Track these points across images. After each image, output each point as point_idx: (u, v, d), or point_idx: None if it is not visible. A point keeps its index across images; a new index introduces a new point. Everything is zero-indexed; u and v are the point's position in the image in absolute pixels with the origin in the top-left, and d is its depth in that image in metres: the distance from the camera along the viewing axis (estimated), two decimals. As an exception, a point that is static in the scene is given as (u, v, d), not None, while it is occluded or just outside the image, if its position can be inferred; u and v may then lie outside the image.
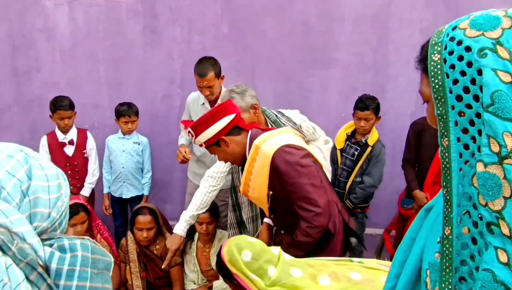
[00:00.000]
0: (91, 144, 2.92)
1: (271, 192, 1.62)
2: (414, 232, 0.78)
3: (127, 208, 3.05)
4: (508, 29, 0.58)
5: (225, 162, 1.78)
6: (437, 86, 0.64)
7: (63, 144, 2.82)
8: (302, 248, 1.59)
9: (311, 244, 1.57)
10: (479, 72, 0.58)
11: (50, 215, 0.65)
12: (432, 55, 0.64)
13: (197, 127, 1.62)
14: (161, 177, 3.21)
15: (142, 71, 3.10)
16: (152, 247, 2.36)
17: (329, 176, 2.10)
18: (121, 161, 2.91)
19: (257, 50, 2.99)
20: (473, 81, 0.59)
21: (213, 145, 1.64)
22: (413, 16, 2.78)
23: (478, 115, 0.59)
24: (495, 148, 0.56)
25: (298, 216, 1.59)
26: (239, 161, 1.71)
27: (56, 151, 2.82)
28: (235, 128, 1.63)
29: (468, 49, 0.59)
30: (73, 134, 2.86)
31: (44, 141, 2.83)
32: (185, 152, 2.45)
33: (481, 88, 0.57)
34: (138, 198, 2.98)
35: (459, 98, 0.61)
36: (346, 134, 2.66)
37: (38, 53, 3.18)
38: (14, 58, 3.21)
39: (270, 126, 2.01)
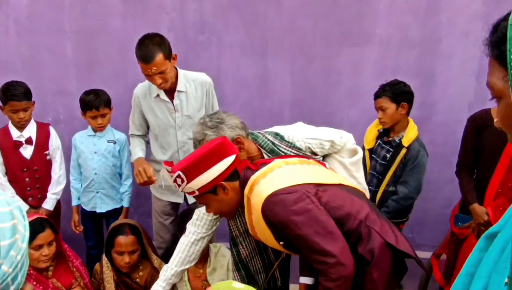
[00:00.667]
0: (55, 143, 2.53)
1: (282, 243, 1.48)
2: (473, 266, 0.73)
3: (102, 224, 2.72)
4: None
5: (217, 214, 1.61)
6: None
7: (18, 144, 2.41)
8: None
9: None
10: None
11: (0, 268, 0.61)
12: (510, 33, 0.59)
13: (190, 170, 1.43)
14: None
15: (122, 47, 2.70)
16: (134, 275, 2.15)
17: (367, 194, 1.76)
18: (93, 166, 2.55)
19: (269, 21, 2.66)
20: None
21: (208, 193, 1.47)
22: (473, -23, 2.49)
23: None
24: None
25: None
26: (234, 212, 1.60)
27: (9, 153, 2.43)
28: (236, 172, 1.50)
29: None
30: (31, 130, 2.47)
31: None
32: (148, 172, 2.07)
33: None
34: (116, 212, 2.65)
35: None
36: (378, 130, 2.30)
37: (-14, 26, 2.83)
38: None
39: (267, 157, 1.73)
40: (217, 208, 1.54)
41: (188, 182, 1.43)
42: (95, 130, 2.53)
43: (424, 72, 2.55)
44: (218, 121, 1.64)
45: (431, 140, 2.54)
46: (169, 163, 1.49)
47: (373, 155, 2.28)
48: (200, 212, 1.82)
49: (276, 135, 1.74)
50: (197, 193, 1.46)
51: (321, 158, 1.75)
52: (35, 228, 1.86)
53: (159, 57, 2.00)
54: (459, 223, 2.22)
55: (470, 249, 2.01)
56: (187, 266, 1.84)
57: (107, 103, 2.47)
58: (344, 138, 1.74)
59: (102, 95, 2.46)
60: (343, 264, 1.35)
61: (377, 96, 2.20)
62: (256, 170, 1.48)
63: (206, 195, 1.48)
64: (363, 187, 1.82)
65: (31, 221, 1.84)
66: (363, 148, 2.33)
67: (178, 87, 2.18)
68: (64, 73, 2.81)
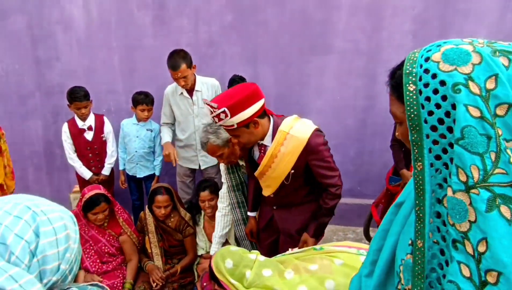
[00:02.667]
0: (108, 128, 2.83)
1: (292, 171, 1.61)
2: (387, 224, 0.78)
3: (142, 185, 2.98)
4: (478, 64, 0.55)
5: (244, 145, 1.67)
6: (412, 116, 0.61)
7: (82, 130, 2.74)
8: (332, 211, 1.67)
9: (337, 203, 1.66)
10: (453, 107, 0.56)
11: (59, 267, 0.62)
12: (408, 85, 0.61)
13: (235, 108, 1.44)
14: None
15: (153, 59, 2.97)
16: (167, 221, 2.34)
17: None
18: (135, 146, 2.81)
19: (259, 38, 2.86)
20: (447, 114, 0.57)
21: (243, 127, 1.52)
22: (405, 3, 2.62)
23: (451, 145, 0.57)
24: (463, 178, 0.55)
25: (310, 190, 1.69)
26: (255, 142, 1.66)
27: (77, 137, 2.74)
28: (264, 112, 1.57)
29: (443, 83, 0.57)
30: (91, 120, 2.76)
31: (65, 128, 2.75)
32: (175, 156, 2.43)
33: (454, 121, 0.56)
34: (150, 177, 2.91)
35: (434, 128, 0.59)
36: None
37: (56, 43, 3.06)
38: (35, 49, 3.09)
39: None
40: (247, 139, 1.57)
41: (231, 117, 1.44)
42: (139, 120, 2.77)
43: (370, 74, 2.73)
44: (216, 128, 1.84)
45: (374, 122, 2.81)
46: (215, 100, 1.48)
47: None
48: (223, 193, 2.06)
49: None
50: (235, 126, 1.48)
51: None
52: (94, 201, 2.06)
53: (183, 66, 2.32)
54: (392, 183, 2.50)
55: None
56: (225, 231, 2.12)
57: (152, 102, 2.74)
58: None
59: (149, 95, 2.72)
60: (341, 183, 1.64)
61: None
62: (278, 117, 1.63)
63: (241, 128, 1.51)
64: None
65: (91, 196, 2.06)
66: None
67: (196, 88, 2.51)
68: (113, 77, 3.08)
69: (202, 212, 2.46)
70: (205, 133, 1.88)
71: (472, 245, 0.56)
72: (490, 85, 0.54)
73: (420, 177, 0.63)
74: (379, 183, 2.80)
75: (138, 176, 2.89)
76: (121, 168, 2.96)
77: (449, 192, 0.58)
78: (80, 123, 2.76)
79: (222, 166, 2.05)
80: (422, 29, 2.66)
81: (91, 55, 3.07)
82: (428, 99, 0.59)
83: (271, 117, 1.64)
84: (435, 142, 0.60)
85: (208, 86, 2.57)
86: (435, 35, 2.68)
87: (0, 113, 3.24)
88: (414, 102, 0.60)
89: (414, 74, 0.61)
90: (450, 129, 0.57)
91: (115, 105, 3.15)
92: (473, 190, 0.55)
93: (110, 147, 2.86)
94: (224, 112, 1.45)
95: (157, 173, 2.91)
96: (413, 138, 0.63)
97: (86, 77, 3.04)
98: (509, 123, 0.54)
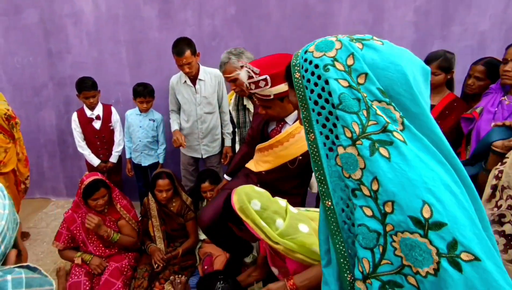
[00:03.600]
0: (115, 117, 2.85)
1: (300, 157, 1.50)
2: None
3: (147, 172, 3.01)
4: (340, 49, 0.69)
5: (273, 116, 1.55)
6: (300, 97, 0.75)
7: (91, 119, 2.77)
8: None
9: None
10: (326, 82, 0.69)
11: None
12: (294, 74, 0.75)
13: (277, 77, 1.34)
14: (173, 147, 3.05)
15: (159, 51, 2.97)
16: (169, 205, 2.35)
17: None
18: (138, 135, 2.82)
19: (261, 31, 2.82)
20: (323, 89, 0.70)
21: (278, 99, 1.43)
22: (407, -5, 2.52)
23: (331, 113, 0.70)
24: (348, 134, 0.67)
25: (300, 183, 1.60)
26: (282, 117, 1.57)
27: (86, 126, 2.78)
28: None
29: (316, 66, 0.70)
30: (99, 110, 2.78)
31: (75, 116, 2.78)
32: (183, 140, 2.44)
33: (329, 94, 0.69)
34: (155, 165, 2.93)
35: (316, 102, 0.72)
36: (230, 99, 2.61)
37: (67, 37, 3.08)
38: (47, 41, 3.12)
39: None
40: (277, 112, 1.49)
41: (271, 86, 1.33)
42: (141, 111, 2.79)
43: None
44: (240, 51, 1.81)
45: None
46: (255, 63, 1.38)
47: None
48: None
49: None
50: (271, 96, 1.38)
51: None
52: (93, 187, 2.05)
53: (188, 53, 2.30)
54: None
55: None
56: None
57: (151, 93, 2.71)
58: None
59: (148, 87, 2.69)
60: None
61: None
62: None
63: (276, 100, 1.42)
64: None
65: (90, 182, 2.05)
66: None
67: (199, 76, 2.50)
68: (121, 69, 3.08)
69: (205, 200, 2.45)
70: (228, 54, 1.84)
71: (367, 187, 0.65)
72: (349, 61, 0.68)
73: (314, 145, 0.74)
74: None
75: (142, 164, 2.92)
76: (127, 156, 2.98)
77: (340, 150, 0.68)
78: (88, 112, 2.78)
79: (231, 104, 2.07)
80: (424, 20, 2.58)
81: (99, 48, 3.09)
82: (308, 81, 0.72)
83: None
84: (319, 114, 0.72)
85: (211, 76, 2.56)
86: (437, 27, 2.61)
87: (17, 103, 3.30)
88: (300, 86, 0.74)
89: (298, 64, 0.74)
90: (327, 101, 0.70)
91: (123, 96, 3.17)
92: (357, 142, 0.66)
93: (118, 136, 2.88)
94: (265, 80, 1.34)
95: (160, 161, 2.93)
96: (303, 115, 0.75)
97: (95, 69, 3.07)
98: (369, 87, 0.66)
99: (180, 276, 2.04)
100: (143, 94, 2.70)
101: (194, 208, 2.41)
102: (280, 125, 1.60)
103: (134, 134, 2.85)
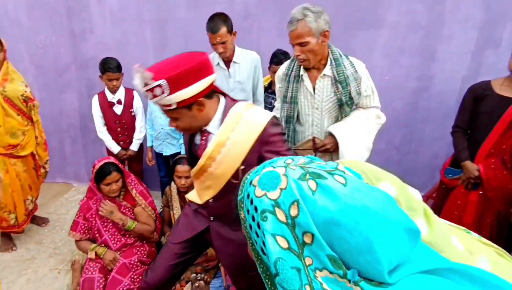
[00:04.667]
0: (137, 103, 2.64)
1: (242, 167, 1.19)
2: None
3: (169, 162, 2.79)
4: (284, 189, 0.52)
5: (184, 129, 1.25)
6: (252, 246, 0.58)
7: (111, 104, 2.57)
8: None
9: None
10: (264, 235, 0.53)
11: None
12: (240, 212, 0.60)
13: (176, 81, 1.04)
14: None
15: (186, 32, 2.71)
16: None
17: (367, 154, 1.71)
18: (161, 123, 2.61)
19: None
20: (264, 244, 0.53)
21: (184, 107, 1.12)
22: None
23: (273, 281, 0.55)
24: None
25: None
26: (199, 128, 1.25)
27: (106, 110, 2.59)
28: (212, 91, 1.20)
29: (255, 209, 0.54)
30: (120, 94, 2.58)
31: (95, 100, 2.61)
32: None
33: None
34: (177, 155, 2.66)
35: (260, 260, 0.56)
36: (264, 86, 2.38)
37: (90, 16, 2.87)
38: (70, 21, 2.92)
39: (330, 63, 1.62)
40: (187, 123, 1.19)
41: (170, 94, 1.05)
42: None
43: (426, 51, 2.32)
44: (319, 10, 1.47)
45: (427, 106, 2.41)
46: (152, 68, 1.09)
47: None
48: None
49: (344, 54, 1.64)
50: (174, 106, 1.09)
51: (353, 103, 1.62)
52: (104, 171, 1.94)
53: (223, 30, 2.04)
54: (449, 175, 2.11)
55: (458, 197, 1.97)
56: None
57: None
58: (378, 101, 1.70)
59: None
60: None
61: (277, 63, 2.08)
62: (233, 100, 1.26)
63: (182, 109, 1.12)
64: (368, 148, 1.73)
65: (101, 166, 1.95)
66: None
67: (234, 59, 2.22)
68: (144, 51, 2.87)
69: None
70: (303, 9, 1.49)
71: None
72: (293, 211, 0.51)
73: None
74: (427, 174, 2.43)
75: (164, 153, 2.71)
76: (148, 145, 2.78)
77: None
78: (109, 96, 2.59)
79: (280, 71, 1.75)
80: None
81: (123, 28, 2.86)
82: (250, 227, 0.56)
83: (222, 97, 1.26)
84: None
85: (247, 59, 2.27)
86: None
87: (40, 85, 3.14)
88: (246, 231, 0.58)
89: (242, 200, 0.58)
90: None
91: (146, 80, 2.94)
92: None
93: (139, 123, 2.67)
94: (160, 86, 1.03)
95: (182, 152, 2.72)
96: (261, 269, 0.57)
97: (118, 51, 2.83)
98: (317, 252, 0.50)
99: (201, 277, 1.83)
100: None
101: None
102: (204, 138, 1.28)
103: (156, 121, 2.64)
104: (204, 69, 1.11)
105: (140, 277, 1.97)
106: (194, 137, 1.32)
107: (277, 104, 1.90)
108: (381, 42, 2.41)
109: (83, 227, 2.09)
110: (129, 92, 2.64)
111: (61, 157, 3.41)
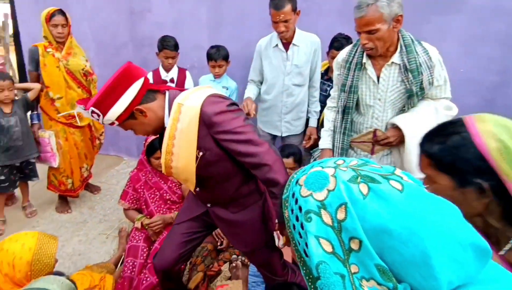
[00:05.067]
0: (189, 83, 2.63)
1: (201, 153, 1.18)
2: None
3: None
4: (332, 191, 0.49)
5: (145, 135, 1.28)
6: (295, 247, 0.55)
7: (164, 82, 2.59)
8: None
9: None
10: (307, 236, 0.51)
11: None
12: (284, 211, 0.57)
13: (101, 104, 1.11)
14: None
15: (242, 12, 2.63)
16: None
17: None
18: None
19: None
20: (307, 245, 0.50)
21: (128, 119, 1.17)
22: None
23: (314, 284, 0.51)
24: None
25: (245, 177, 1.28)
26: (159, 129, 1.25)
27: None
28: (148, 94, 1.18)
29: (300, 209, 0.52)
30: (174, 73, 2.59)
31: (149, 77, 2.60)
32: (252, 108, 1.98)
33: None
34: None
35: (303, 262, 0.53)
36: (320, 72, 2.28)
37: (150, -6, 2.86)
38: (131, 0, 2.96)
39: (400, 49, 1.46)
40: (142, 130, 1.24)
41: (104, 116, 1.13)
42: (214, 77, 2.52)
43: (510, 41, 2.02)
44: None
45: (506, 104, 2.12)
46: (82, 101, 1.20)
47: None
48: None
49: (416, 40, 1.51)
50: (116, 123, 1.17)
51: (424, 94, 1.49)
52: (155, 145, 1.97)
53: (288, 7, 1.94)
54: None
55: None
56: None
57: (225, 57, 2.42)
58: (449, 92, 1.55)
59: (222, 50, 2.41)
60: (272, 153, 1.16)
61: (338, 48, 2.01)
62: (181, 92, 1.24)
63: (127, 122, 1.18)
64: None
65: (152, 140, 1.99)
66: None
67: (294, 41, 2.11)
68: (199, 32, 2.86)
69: None
70: None
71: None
72: (340, 215, 0.48)
73: None
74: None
75: None
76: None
77: None
78: (163, 74, 2.61)
79: (339, 57, 1.65)
80: None
81: (180, 7, 2.85)
82: (294, 227, 0.54)
83: (166, 93, 1.23)
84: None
85: (307, 42, 2.14)
86: None
87: (99, 62, 3.26)
88: (289, 230, 0.55)
89: (286, 199, 0.56)
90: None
91: (199, 61, 2.90)
92: None
93: (190, 103, 2.69)
94: (93, 112, 1.13)
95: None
96: (304, 271, 0.53)
97: (173, 30, 2.82)
98: (365, 260, 0.46)
99: (241, 259, 1.84)
100: (215, 57, 2.42)
101: None
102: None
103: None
104: (125, 80, 1.12)
105: None
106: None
107: (333, 92, 1.79)
108: (458, 28, 2.14)
109: (131, 197, 2.16)
110: (182, 72, 2.64)
111: (115, 131, 3.56)
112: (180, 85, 2.61)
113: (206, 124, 1.15)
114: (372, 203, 0.47)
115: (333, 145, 1.75)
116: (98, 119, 1.16)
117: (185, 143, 1.17)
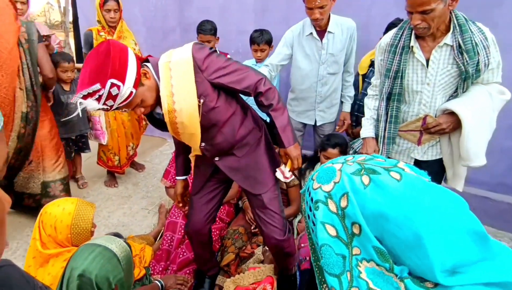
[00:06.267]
0: None
1: (201, 101, 1.20)
2: None
3: None
4: (337, 182, 0.55)
5: (152, 106, 1.24)
6: (308, 234, 0.61)
7: None
8: (288, 120, 1.30)
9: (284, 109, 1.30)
10: (314, 224, 0.58)
11: None
12: (302, 205, 0.63)
13: (117, 73, 1.06)
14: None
15: None
16: None
17: (490, 136, 1.43)
18: None
19: None
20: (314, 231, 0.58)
21: (140, 85, 1.15)
22: None
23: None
24: None
25: (232, 124, 1.32)
26: (157, 98, 1.23)
27: None
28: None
29: (311, 200, 0.58)
30: None
31: None
32: None
33: None
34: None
35: (314, 250, 0.59)
36: (371, 60, 2.16)
37: (199, -21, 2.88)
38: (181, -16, 3.01)
39: (453, 29, 1.37)
40: (149, 97, 1.20)
41: (124, 83, 1.08)
42: (256, 61, 2.45)
43: None
44: None
45: None
46: (81, 86, 1.07)
47: (365, 79, 2.16)
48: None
49: (470, 19, 1.39)
50: (133, 91, 1.11)
51: (479, 76, 1.38)
52: None
53: None
54: None
55: None
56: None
57: (268, 41, 2.36)
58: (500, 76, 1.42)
59: (265, 34, 2.35)
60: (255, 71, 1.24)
61: None
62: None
63: (139, 89, 1.15)
64: (492, 127, 1.44)
65: None
66: (358, 74, 2.25)
67: (329, 28, 2.00)
68: (245, 17, 2.83)
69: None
70: None
71: None
72: (343, 203, 0.54)
73: None
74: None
75: None
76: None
77: None
78: None
79: (383, 42, 1.57)
80: None
81: (227, -9, 2.82)
82: (308, 217, 0.60)
83: (149, 60, 1.24)
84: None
85: (343, 28, 2.02)
86: None
87: (148, 46, 3.38)
88: (307, 222, 0.61)
89: (303, 194, 0.63)
90: None
91: (244, 46, 2.87)
92: None
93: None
94: (113, 85, 1.06)
95: (268, 120, 2.63)
96: (313, 258, 0.60)
97: (219, 15, 2.85)
98: (365, 243, 0.51)
99: None
100: (258, 40, 2.36)
101: (298, 174, 2.13)
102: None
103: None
104: (119, 48, 1.11)
105: (217, 232, 2.04)
106: (152, 114, 1.32)
107: (374, 80, 1.69)
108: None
109: (173, 176, 2.22)
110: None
111: (159, 114, 3.70)
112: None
113: (201, 68, 1.19)
114: (372, 192, 0.51)
115: (377, 135, 1.65)
116: (116, 96, 1.07)
117: (185, 95, 1.19)
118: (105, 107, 1.10)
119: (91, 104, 1.07)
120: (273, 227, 1.43)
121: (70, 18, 4.93)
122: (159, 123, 1.33)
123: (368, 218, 0.51)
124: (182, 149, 1.55)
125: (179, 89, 1.19)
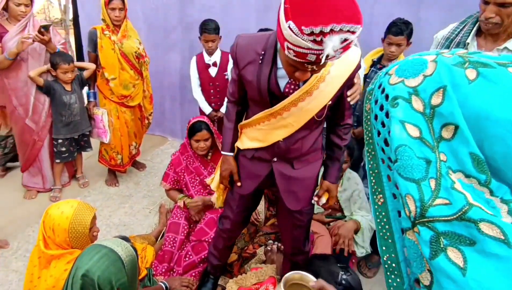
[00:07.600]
0: (231, 67, 2.65)
1: (330, 102, 1.16)
2: None
3: None
4: (429, 76, 0.44)
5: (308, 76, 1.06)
6: (367, 138, 0.54)
7: (208, 65, 2.60)
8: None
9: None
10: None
11: None
12: (365, 105, 0.55)
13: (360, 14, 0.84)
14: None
15: None
16: None
17: None
18: None
19: None
20: (389, 133, 0.47)
21: None
22: None
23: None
24: (407, 212, 0.45)
25: (316, 132, 1.28)
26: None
27: (202, 71, 2.63)
28: None
29: (387, 97, 0.48)
30: (216, 56, 2.58)
31: (193, 61, 2.66)
32: None
33: None
34: None
35: (383, 150, 0.50)
36: (372, 60, 2.16)
37: (200, -23, 2.85)
38: (182, -17, 2.97)
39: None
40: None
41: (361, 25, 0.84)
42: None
43: None
44: None
45: None
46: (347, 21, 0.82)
47: (367, 79, 2.17)
48: None
49: None
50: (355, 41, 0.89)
51: None
52: (196, 127, 2.00)
53: None
54: None
55: None
56: None
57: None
58: None
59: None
60: None
61: (396, 33, 1.96)
62: None
63: None
64: None
65: (194, 122, 2.02)
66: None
67: None
68: (247, 16, 2.81)
69: None
70: None
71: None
72: (436, 100, 0.43)
73: (383, 213, 0.51)
74: None
75: None
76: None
77: (404, 232, 0.48)
78: (206, 58, 2.61)
79: (439, 34, 1.55)
80: None
81: (229, -10, 2.79)
82: (376, 117, 0.51)
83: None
84: (389, 168, 0.49)
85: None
86: None
87: (150, 44, 3.33)
88: (368, 123, 0.53)
89: (371, 91, 0.53)
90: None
91: (244, 45, 2.88)
92: (415, 228, 0.44)
93: (233, 87, 2.67)
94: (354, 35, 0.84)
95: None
96: (369, 165, 0.54)
97: (222, 14, 2.82)
98: (457, 149, 0.41)
99: (276, 244, 1.84)
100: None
101: None
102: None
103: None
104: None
105: None
106: (270, 75, 1.16)
107: None
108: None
109: (172, 179, 2.20)
110: (224, 55, 2.62)
111: (161, 112, 3.69)
112: (223, 68, 2.59)
113: (350, 78, 1.16)
114: (478, 89, 0.41)
115: None
116: (349, 41, 0.83)
117: (330, 89, 1.13)
118: (335, 55, 0.86)
119: (335, 44, 0.81)
120: (295, 242, 1.47)
121: (70, 16, 4.90)
122: (271, 94, 1.17)
123: (468, 119, 0.41)
124: (236, 121, 1.41)
125: (331, 81, 1.12)
